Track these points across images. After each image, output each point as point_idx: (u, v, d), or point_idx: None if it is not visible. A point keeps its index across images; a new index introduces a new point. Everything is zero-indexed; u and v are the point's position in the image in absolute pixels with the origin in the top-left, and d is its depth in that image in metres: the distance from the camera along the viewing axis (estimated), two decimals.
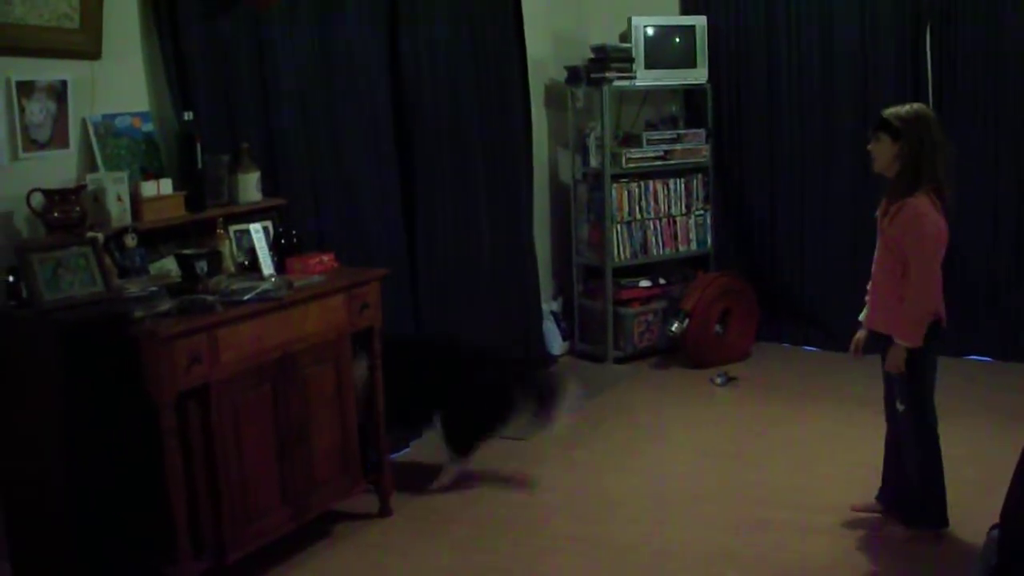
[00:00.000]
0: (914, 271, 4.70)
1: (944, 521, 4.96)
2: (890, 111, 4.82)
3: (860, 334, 5.14)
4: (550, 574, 4.95)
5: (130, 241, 4.69)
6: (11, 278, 4.34)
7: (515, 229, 7.79)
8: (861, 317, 5.15)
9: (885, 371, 5.01)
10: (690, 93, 8.67)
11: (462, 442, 5.84)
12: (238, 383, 4.60)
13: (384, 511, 5.55)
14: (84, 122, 4.88)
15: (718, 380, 7.60)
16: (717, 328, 8.06)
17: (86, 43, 4.86)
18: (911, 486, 4.99)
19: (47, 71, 4.70)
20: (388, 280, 5.57)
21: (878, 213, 4.94)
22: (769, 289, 8.51)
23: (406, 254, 6.73)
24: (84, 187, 4.68)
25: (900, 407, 4.91)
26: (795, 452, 6.20)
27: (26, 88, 4.60)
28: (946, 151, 4.77)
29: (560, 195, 8.62)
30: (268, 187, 5.48)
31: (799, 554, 4.95)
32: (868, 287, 5.09)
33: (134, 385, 4.25)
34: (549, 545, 5.20)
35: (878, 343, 5.00)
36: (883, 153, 4.81)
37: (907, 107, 4.83)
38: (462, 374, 5.81)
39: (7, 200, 4.54)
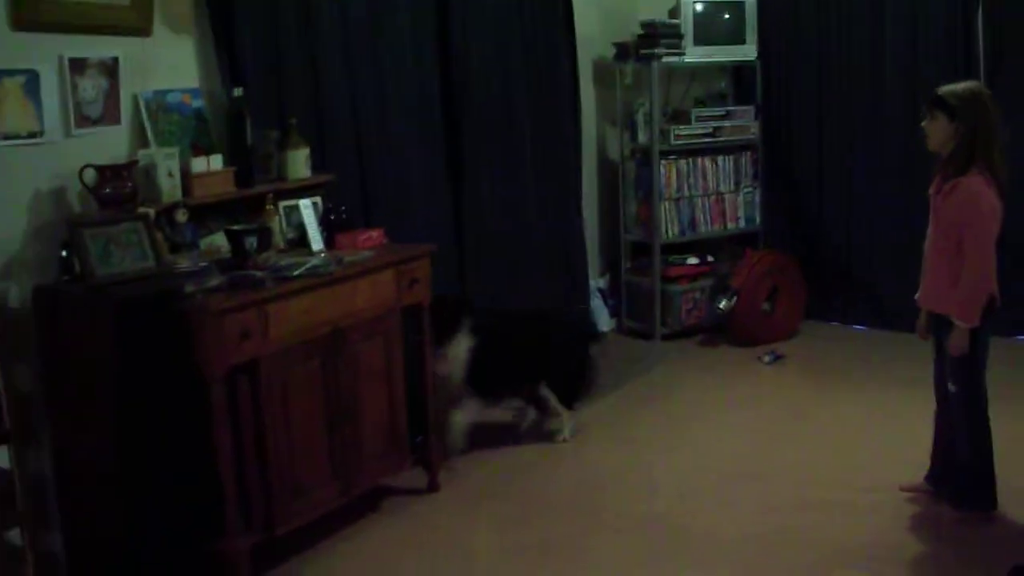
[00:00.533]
0: (970, 250, 4.65)
1: (993, 503, 4.92)
2: (946, 89, 4.75)
3: (921, 318, 5.07)
4: (596, 551, 4.95)
5: (181, 216, 4.72)
6: (64, 253, 4.38)
7: (563, 206, 7.78)
8: (917, 297, 5.09)
9: (936, 350, 4.97)
10: (739, 69, 8.61)
11: (573, 398, 6.35)
12: (288, 358, 4.62)
13: (432, 486, 5.57)
14: (135, 98, 4.92)
15: (766, 358, 7.56)
16: (765, 306, 8.02)
17: (137, 20, 4.89)
18: (960, 467, 4.96)
19: (99, 48, 4.73)
20: (436, 257, 5.57)
21: (931, 191, 4.88)
22: (817, 267, 8.46)
23: (454, 231, 6.73)
24: (135, 163, 4.71)
25: (952, 388, 4.87)
26: (843, 431, 6.17)
27: (78, 65, 4.64)
28: (1000, 130, 4.70)
29: (608, 172, 8.59)
30: (317, 163, 5.50)
31: (848, 533, 4.92)
32: (923, 266, 5.03)
33: (185, 359, 4.28)
34: (595, 523, 5.20)
35: (935, 323, 4.95)
36: (939, 131, 4.75)
37: (963, 85, 4.77)
38: (559, 342, 6.36)
39: (60, 176, 4.58)
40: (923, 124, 4.84)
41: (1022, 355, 7.19)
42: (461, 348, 5.89)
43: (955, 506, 4.98)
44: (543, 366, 6.23)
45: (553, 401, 6.25)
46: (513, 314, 6.71)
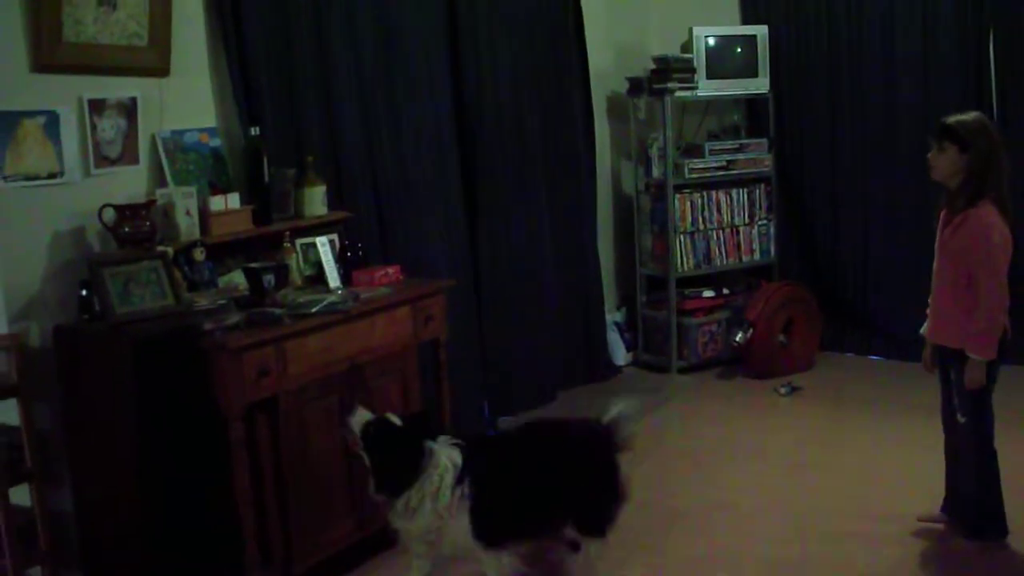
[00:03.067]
0: (983, 283, 4.62)
1: (1004, 531, 4.90)
2: (955, 119, 4.73)
3: (927, 351, 5.05)
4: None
5: (199, 255, 4.76)
6: (84, 292, 4.43)
7: (578, 240, 7.82)
8: (923, 331, 5.06)
9: (943, 382, 4.97)
10: (752, 103, 8.64)
11: (606, 524, 4.67)
12: (306, 395, 4.64)
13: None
14: (153, 138, 4.98)
15: (783, 390, 7.56)
16: (781, 338, 8.02)
17: (155, 61, 4.96)
18: (966, 498, 4.94)
19: (117, 89, 4.79)
20: (452, 292, 5.60)
21: (938, 224, 4.86)
22: (832, 298, 8.46)
23: (470, 266, 6.76)
24: (154, 202, 4.77)
25: (961, 419, 4.85)
26: (861, 462, 6.16)
27: (97, 106, 4.70)
28: (1006, 161, 4.70)
29: (623, 206, 8.62)
30: (333, 200, 5.54)
31: (866, 565, 4.90)
32: (930, 300, 5.01)
33: (204, 397, 4.30)
34: (616, 555, 5.19)
35: (941, 356, 4.93)
36: (947, 163, 4.71)
37: (972, 115, 4.76)
38: (582, 466, 4.64)
39: (79, 215, 4.63)
40: (929, 156, 4.80)
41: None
42: (444, 489, 4.38)
43: (968, 536, 4.97)
44: (566, 502, 4.61)
45: (584, 542, 4.65)
46: (516, 436, 5.06)
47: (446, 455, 4.40)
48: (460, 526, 4.39)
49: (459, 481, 4.37)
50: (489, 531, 4.43)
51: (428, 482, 4.34)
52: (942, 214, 4.83)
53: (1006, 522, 4.91)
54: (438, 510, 4.35)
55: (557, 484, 4.54)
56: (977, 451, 4.82)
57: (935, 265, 4.90)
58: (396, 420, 4.44)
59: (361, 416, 4.41)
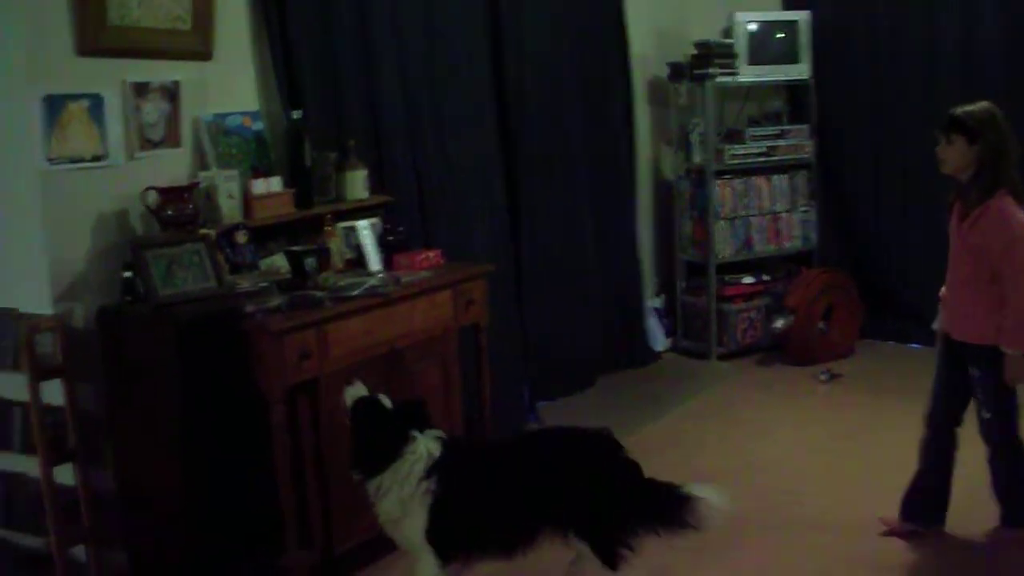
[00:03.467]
0: (1011, 276, 4.50)
1: None
2: (962, 110, 4.60)
3: (940, 346, 4.93)
4: (652, 565, 4.94)
5: (241, 237, 4.78)
6: (127, 274, 4.46)
7: (618, 225, 7.81)
8: (935, 326, 4.98)
9: (943, 378, 4.87)
10: (793, 88, 8.58)
11: (615, 554, 4.28)
12: (347, 377, 4.64)
13: None
14: (196, 121, 5.00)
15: (822, 377, 7.53)
16: (821, 325, 7.99)
17: (198, 44, 4.97)
18: (1004, 490, 4.86)
19: (161, 72, 4.81)
20: (492, 277, 5.60)
21: (952, 219, 4.74)
22: (873, 286, 8.41)
23: (510, 251, 6.77)
24: (196, 185, 4.79)
25: (986, 415, 4.74)
26: (900, 450, 6.08)
27: (141, 89, 4.72)
28: (1016, 150, 4.58)
29: (663, 191, 8.59)
30: (374, 185, 5.55)
31: (906, 554, 4.89)
32: (940, 294, 4.92)
33: (246, 379, 4.33)
34: (656, 542, 5.18)
35: (953, 352, 4.82)
36: (958, 156, 4.59)
37: (980, 106, 4.62)
38: (583, 472, 4.29)
39: (123, 198, 4.66)
40: (938, 149, 4.68)
41: None
42: (411, 476, 4.15)
43: (1013, 524, 4.92)
44: (572, 509, 4.23)
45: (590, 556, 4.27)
46: (510, 443, 4.79)
47: (424, 445, 4.18)
48: (417, 522, 4.17)
49: (428, 475, 4.14)
50: (443, 537, 4.18)
51: (401, 467, 4.14)
52: (955, 208, 4.72)
53: None
54: (402, 497, 4.14)
55: (541, 502, 4.21)
56: (1007, 446, 4.76)
57: (951, 260, 4.79)
58: (387, 403, 4.30)
59: (356, 391, 4.31)
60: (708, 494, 4.26)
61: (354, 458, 4.25)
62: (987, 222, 4.53)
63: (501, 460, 4.37)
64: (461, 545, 4.21)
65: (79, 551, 4.53)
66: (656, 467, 6.10)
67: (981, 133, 4.52)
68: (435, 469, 4.14)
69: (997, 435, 4.76)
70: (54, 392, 4.38)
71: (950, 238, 4.79)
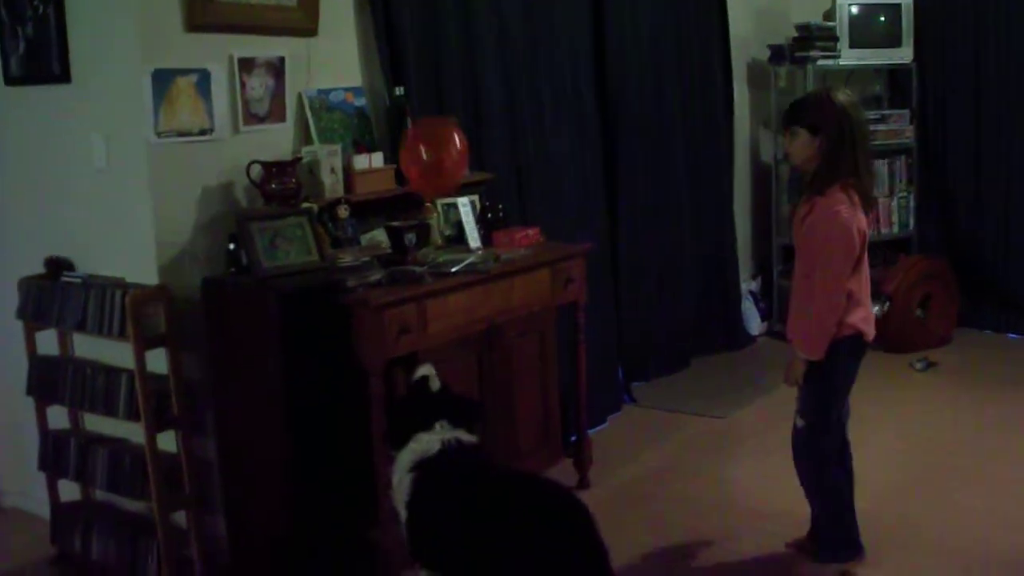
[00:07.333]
0: (818, 277, 4.26)
1: None
2: (800, 100, 4.45)
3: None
4: (747, 553, 4.93)
5: (343, 212, 4.83)
6: (232, 246, 4.52)
7: (715, 208, 7.78)
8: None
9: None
10: (894, 73, 8.48)
11: None
12: (445, 353, 4.68)
13: (583, 483, 5.59)
14: (300, 97, 5.05)
15: (918, 365, 7.44)
16: (918, 312, 7.89)
17: (303, 20, 5.02)
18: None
19: (266, 48, 4.87)
20: (589, 256, 5.59)
21: (790, 215, 4.53)
22: (972, 274, 8.28)
23: (608, 231, 6.76)
24: (300, 159, 4.85)
25: (799, 422, 4.62)
26: (996, 440, 6.05)
27: (247, 64, 4.78)
28: (867, 137, 4.30)
29: (761, 174, 8.54)
30: (474, 162, 5.57)
31: (1002, 544, 4.84)
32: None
33: (345, 352, 4.38)
34: (744, 524, 5.18)
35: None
36: (800, 149, 4.30)
37: (822, 93, 4.38)
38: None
39: (228, 171, 4.73)
40: (784, 143, 4.45)
41: None
42: (400, 466, 3.94)
43: None
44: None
45: None
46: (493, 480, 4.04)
47: (429, 439, 3.89)
48: (402, 515, 3.92)
49: (412, 469, 3.89)
50: (416, 539, 3.88)
51: (404, 454, 3.92)
52: (801, 202, 4.42)
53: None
54: (395, 484, 3.95)
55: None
56: (812, 459, 4.70)
57: (795, 266, 4.57)
58: (436, 389, 4.10)
59: (424, 370, 4.17)
60: None
61: (386, 431, 4.19)
62: (812, 219, 4.27)
63: (468, 492, 3.85)
64: (426, 554, 3.91)
65: (180, 516, 4.63)
66: (754, 450, 6.13)
67: (822, 124, 4.23)
68: (420, 467, 3.88)
69: (803, 446, 4.70)
70: (158, 361, 4.47)
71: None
